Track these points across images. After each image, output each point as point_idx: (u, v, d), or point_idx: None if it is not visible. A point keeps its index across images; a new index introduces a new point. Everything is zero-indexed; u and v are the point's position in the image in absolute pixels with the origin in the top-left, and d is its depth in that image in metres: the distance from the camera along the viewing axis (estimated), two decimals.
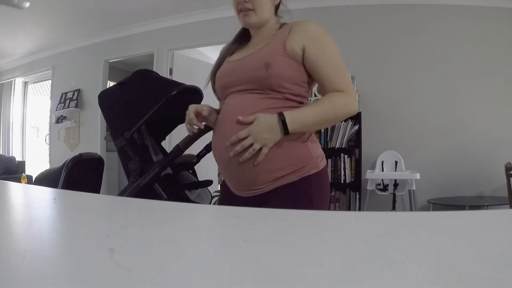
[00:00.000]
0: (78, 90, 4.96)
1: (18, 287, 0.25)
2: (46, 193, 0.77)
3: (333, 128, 3.42)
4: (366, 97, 3.51)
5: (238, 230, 0.42)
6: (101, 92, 1.86)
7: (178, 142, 1.58)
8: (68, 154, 3.63)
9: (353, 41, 3.59)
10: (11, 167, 5.29)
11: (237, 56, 1.07)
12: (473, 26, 3.42)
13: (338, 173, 3.45)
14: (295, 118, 0.93)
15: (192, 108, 1.03)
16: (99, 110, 1.86)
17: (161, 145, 1.87)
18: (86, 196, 0.68)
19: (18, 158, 5.67)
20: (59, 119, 5.08)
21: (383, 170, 3.36)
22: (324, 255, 0.31)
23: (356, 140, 3.43)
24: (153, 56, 4.50)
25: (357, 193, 3.45)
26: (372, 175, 3.21)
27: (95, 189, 2.40)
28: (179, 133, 1.20)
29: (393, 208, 3.24)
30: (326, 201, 1.05)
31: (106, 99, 1.81)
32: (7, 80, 5.98)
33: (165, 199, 1.59)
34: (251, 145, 0.93)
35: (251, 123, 0.94)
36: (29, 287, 0.25)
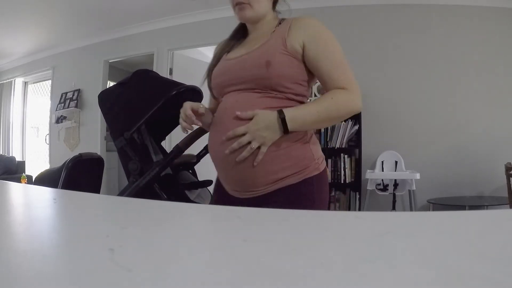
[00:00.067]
0: (78, 90, 4.96)
1: (18, 287, 0.25)
2: (46, 193, 0.77)
3: (333, 128, 3.42)
4: (366, 97, 3.50)
5: (238, 230, 0.42)
6: (101, 92, 1.86)
7: (178, 142, 1.58)
8: (68, 154, 3.63)
9: (353, 41, 3.59)
10: (11, 167, 5.29)
11: (235, 53, 1.03)
12: (473, 26, 3.42)
13: (338, 173, 3.45)
14: (295, 116, 0.90)
15: (187, 105, 0.98)
16: (99, 110, 1.86)
17: (161, 145, 1.88)
18: (86, 196, 0.68)
19: (18, 158, 5.67)
20: (59, 119, 5.08)
21: (383, 170, 3.36)
22: (324, 255, 0.31)
23: (356, 140, 3.43)
24: (153, 56, 4.50)
25: (357, 193, 3.45)
26: (372, 175, 3.21)
27: (95, 189, 2.40)
28: (179, 133, 1.18)
29: (393, 208, 3.24)
30: (326, 203, 1.02)
31: (106, 99, 1.81)
32: (7, 80, 5.98)
33: (165, 199, 1.59)
34: (249, 143, 0.90)
35: (250, 119, 0.90)
36: (29, 287, 0.25)
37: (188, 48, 4.44)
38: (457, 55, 3.45)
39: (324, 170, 1.02)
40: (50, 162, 5.20)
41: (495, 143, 3.33)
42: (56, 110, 5.08)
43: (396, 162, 3.36)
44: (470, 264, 0.28)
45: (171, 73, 4.36)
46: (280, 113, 0.89)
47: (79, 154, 2.20)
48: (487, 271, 0.26)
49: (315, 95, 3.33)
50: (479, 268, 0.27)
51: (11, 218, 0.49)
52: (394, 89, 3.57)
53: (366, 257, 0.30)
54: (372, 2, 3.62)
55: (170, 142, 3.33)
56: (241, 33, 1.09)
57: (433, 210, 3.16)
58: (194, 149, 1.63)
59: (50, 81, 5.38)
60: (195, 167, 1.96)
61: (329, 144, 3.42)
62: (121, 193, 1.63)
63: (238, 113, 0.91)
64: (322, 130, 3.43)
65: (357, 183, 3.42)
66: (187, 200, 1.68)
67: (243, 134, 0.90)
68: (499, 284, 0.24)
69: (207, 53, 4.88)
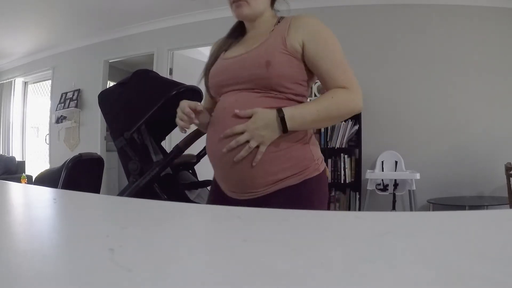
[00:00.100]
0: (78, 90, 4.96)
1: (18, 287, 0.25)
2: (46, 193, 0.77)
3: (333, 128, 3.42)
4: (366, 97, 3.48)
5: (238, 230, 0.42)
6: (101, 92, 1.86)
7: (178, 142, 1.58)
8: (68, 154, 3.63)
9: (353, 41, 3.59)
10: (11, 167, 5.29)
11: (233, 52, 1.00)
12: (473, 26, 3.42)
13: (338, 173, 3.45)
14: (294, 115, 0.88)
15: (185, 103, 0.95)
16: (99, 110, 1.86)
17: (161, 145, 1.88)
18: (86, 196, 0.68)
19: (18, 158, 5.67)
20: (59, 119, 5.08)
21: (383, 170, 3.36)
22: (324, 255, 0.31)
23: (356, 140, 3.43)
24: (153, 56, 4.50)
25: (357, 193, 3.45)
26: (372, 175, 3.21)
27: (95, 189, 2.40)
28: (179, 133, 1.17)
29: (393, 208, 3.24)
30: (325, 204, 1.01)
31: (106, 99, 1.81)
32: (7, 80, 5.98)
33: (165, 199, 1.59)
34: (247, 142, 0.88)
35: (248, 118, 0.88)
36: (29, 287, 0.25)
37: (188, 48, 4.44)
38: (457, 55, 3.45)
39: (324, 171, 1.01)
40: (50, 162, 5.20)
41: (495, 143, 3.33)
42: (56, 110, 5.08)
43: (396, 162, 3.36)
44: (470, 264, 0.28)
45: (171, 73, 4.36)
46: (279, 112, 0.87)
47: (79, 154, 2.20)
48: (487, 271, 0.26)
49: (315, 95, 3.33)
50: (479, 268, 0.27)
51: (11, 218, 0.49)
52: (394, 89, 3.57)
53: (366, 257, 0.30)
54: (372, 2, 3.62)
55: (170, 142, 3.33)
56: (238, 31, 1.07)
57: (433, 210, 3.16)
58: (194, 149, 1.63)
59: (50, 81, 5.39)
60: (195, 167, 1.96)
61: (329, 144, 3.42)
62: (121, 193, 1.63)
63: (237, 111, 0.89)
64: (322, 130, 3.43)
65: (357, 183, 3.42)
66: (187, 200, 1.68)
67: (242, 133, 0.88)
68: (499, 284, 0.24)
69: (207, 53, 4.86)
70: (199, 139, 1.37)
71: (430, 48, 3.50)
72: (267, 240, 0.37)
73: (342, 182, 3.44)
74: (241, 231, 0.41)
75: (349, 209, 3.43)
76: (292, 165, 0.92)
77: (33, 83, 6.08)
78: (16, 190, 0.82)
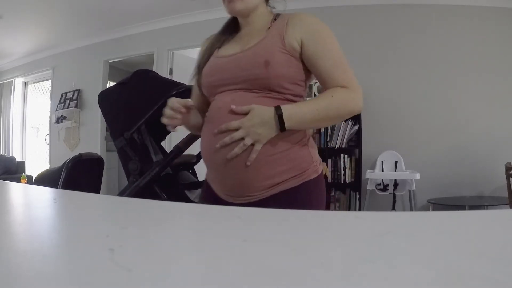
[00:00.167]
0: (78, 90, 4.96)
1: (18, 287, 0.25)
2: (46, 193, 0.77)
3: (333, 128, 3.42)
4: (366, 97, 3.48)
5: (238, 230, 0.42)
6: (101, 92, 1.86)
7: (178, 142, 1.58)
8: (68, 154, 3.64)
9: (353, 41, 3.59)
10: (11, 167, 5.29)
11: (228, 50, 0.96)
12: (473, 26, 3.42)
13: (338, 173, 3.45)
14: (293, 113, 0.85)
15: (174, 99, 0.90)
16: (99, 110, 1.86)
17: (161, 145, 1.88)
18: (86, 196, 0.68)
19: (18, 158, 5.67)
20: (59, 119, 5.08)
21: (383, 170, 3.36)
22: (324, 255, 0.31)
23: (356, 140, 3.43)
24: (153, 56, 4.50)
25: (357, 193, 3.45)
26: (372, 175, 3.21)
27: (95, 189, 2.41)
28: (179, 133, 1.16)
29: (393, 208, 3.24)
30: (323, 205, 0.98)
31: (106, 99, 1.81)
32: (7, 80, 5.98)
33: (165, 199, 1.59)
34: (242, 139, 0.84)
35: (245, 114, 0.85)
36: (29, 287, 0.25)
37: (188, 48, 4.44)
38: (457, 55, 3.45)
39: (322, 173, 0.98)
40: (50, 162, 5.20)
41: (495, 143, 3.33)
42: (56, 110, 5.08)
43: (396, 162, 3.36)
44: (470, 264, 0.28)
45: (171, 73, 4.36)
46: (277, 110, 0.84)
47: (79, 154, 2.20)
48: (487, 271, 0.26)
49: (315, 95, 3.33)
50: (479, 268, 0.27)
51: (11, 218, 0.49)
52: (394, 89, 3.57)
53: (366, 257, 0.30)
54: (372, 2, 3.62)
55: (170, 142, 3.33)
56: (232, 27, 1.02)
57: (433, 210, 3.16)
58: (194, 149, 1.63)
59: (50, 81, 5.39)
60: (195, 167, 1.96)
61: (329, 144, 3.42)
62: (121, 193, 1.63)
63: (233, 106, 0.86)
64: (322, 130, 3.43)
65: (357, 183, 3.42)
66: (187, 200, 1.68)
67: (237, 129, 0.85)
68: (499, 284, 0.24)
69: None
70: (199, 139, 1.37)
71: (430, 48, 3.50)
72: (267, 240, 0.37)
73: (342, 182, 3.44)
74: (241, 231, 0.41)
75: (349, 209, 3.43)
76: (290, 167, 0.90)
77: (33, 83, 6.09)
78: (16, 190, 0.82)
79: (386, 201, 3.30)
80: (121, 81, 1.81)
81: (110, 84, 4.89)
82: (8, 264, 0.29)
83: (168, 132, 2.02)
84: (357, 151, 3.44)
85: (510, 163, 2.83)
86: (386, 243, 0.35)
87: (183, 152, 1.57)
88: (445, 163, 3.40)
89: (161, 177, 1.64)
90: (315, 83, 3.39)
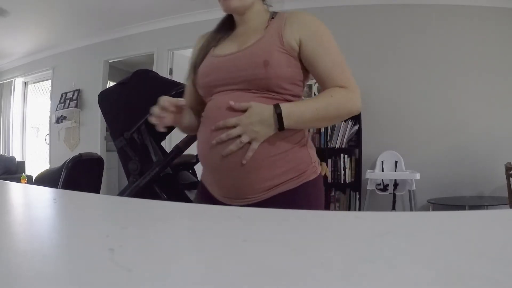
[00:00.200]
0: (78, 90, 4.96)
1: (18, 287, 0.25)
2: (46, 193, 0.77)
3: (333, 128, 3.42)
4: (366, 97, 3.51)
5: (238, 230, 0.42)
6: (101, 92, 1.86)
7: (178, 142, 1.58)
8: (68, 154, 3.64)
9: (353, 41, 3.59)
10: (11, 167, 5.29)
11: (224, 49, 0.94)
12: (473, 26, 3.43)
13: (338, 173, 3.45)
14: (292, 112, 0.83)
15: (165, 97, 0.88)
16: (99, 110, 1.86)
17: (161, 145, 1.88)
18: (86, 196, 0.68)
19: (18, 158, 5.67)
20: (59, 119, 5.08)
21: (383, 170, 3.36)
22: (324, 255, 0.31)
23: (356, 140, 3.43)
24: (153, 56, 4.50)
25: (357, 193, 3.45)
26: (372, 175, 3.21)
27: (95, 189, 2.41)
28: (179, 133, 1.16)
29: (393, 208, 3.24)
30: (323, 206, 0.98)
31: (106, 99, 1.81)
32: (7, 80, 5.98)
33: (165, 199, 1.59)
34: (239, 137, 0.83)
35: (244, 111, 0.83)
36: (29, 287, 0.25)
37: (188, 48, 4.43)
38: (457, 55, 3.45)
39: (321, 174, 0.97)
40: (50, 162, 5.20)
41: (495, 143, 3.33)
42: (56, 110, 5.08)
43: (396, 162, 3.36)
44: (470, 264, 0.28)
45: (171, 73, 4.36)
46: (277, 108, 0.83)
47: (79, 154, 2.20)
48: (487, 271, 0.26)
49: (315, 95, 3.33)
50: (479, 268, 0.27)
51: (11, 218, 0.49)
52: (394, 89, 3.57)
53: (366, 257, 0.30)
54: (372, 2, 3.62)
55: (170, 142, 3.33)
56: (227, 25, 1.01)
57: (433, 210, 3.16)
58: (194, 149, 1.62)
59: (50, 81, 5.39)
60: (195, 167, 1.96)
61: (329, 144, 3.42)
62: (121, 193, 1.63)
63: (232, 102, 0.84)
64: (322, 130, 3.43)
65: (357, 183, 3.42)
66: (187, 200, 1.68)
67: (235, 127, 0.83)
68: (499, 284, 0.24)
69: None
70: None
71: (430, 48, 3.50)
72: (267, 240, 0.37)
73: (342, 182, 3.44)
74: (241, 231, 0.41)
75: (349, 209, 3.43)
76: (290, 169, 0.88)
77: (33, 83, 6.09)
78: (16, 190, 0.82)
79: (386, 201, 3.30)
80: (121, 81, 1.81)
81: (110, 84, 4.89)
82: (8, 264, 0.29)
83: (168, 132, 2.02)
84: (357, 151, 3.44)
85: (510, 163, 2.83)
86: (386, 243, 0.35)
87: (183, 152, 1.58)
88: (445, 163, 3.40)
89: (161, 177, 1.64)
90: (315, 83, 3.39)
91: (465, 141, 3.39)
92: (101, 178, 2.52)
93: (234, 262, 0.30)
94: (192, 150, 1.64)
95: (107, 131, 4.58)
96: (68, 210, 0.58)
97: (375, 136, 3.52)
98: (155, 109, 0.89)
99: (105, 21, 4.43)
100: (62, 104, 5.01)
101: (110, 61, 4.92)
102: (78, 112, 4.96)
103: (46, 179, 2.17)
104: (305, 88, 0.98)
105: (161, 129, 0.92)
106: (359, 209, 3.38)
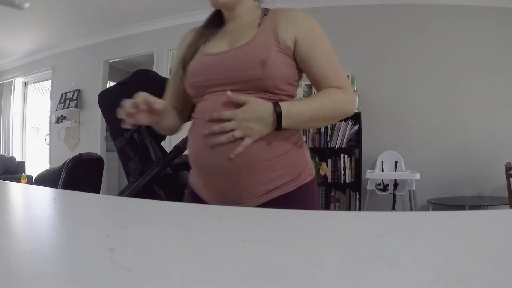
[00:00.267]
0: (78, 90, 4.96)
1: (18, 287, 0.25)
2: (46, 193, 0.77)
3: (333, 128, 3.42)
4: (366, 97, 3.51)
5: (238, 230, 0.42)
6: (101, 92, 1.86)
7: (178, 142, 1.58)
8: (68, 154, 3.64)
9: (353, 41, 3.59)
10: (11, 167, 5.29)
11: (216, 47, 0.89)
12: (473, 26, 3.43)
13: (338, 173, 3.45)
14: (291, 112, 0.80)
15: (143, 94, 0.82)
16: (99, 110, 1.86)
17: (161, 145, 1.88)
18: (86, 196, 0.68)
19: (18, 158, 5.67)
20: (59, 119, 5.08)
21: (383, 170, 3.36)
22: (324, 255, 0.31)
23: (356, 140, 3.43)
24: (153, 56, 4.50)
25: (357, 193, 3.45)
26: (372, 175, 3.21)
27: (95, 189, 2.41)
28: (179, 133, 1.15)
29: (393, 208, 3.24)
30: (317, 207, 0.97)
31: (106, 99, 1.81)
32: (7, 80, 5.98)
33: (165, 199, 1.59)
34: (233, 131, 0.79)
35: (241, 105, 0.79)
36: (29, 287, 0.25)
37: None
38: (457, 55, 3.45)
39: (315, 176, 0.96)
40: (50, 162, 5.20)
41: (495, 143, 3.33)
42: (56, 110, 5.08)
43: (396, 162, 3.36)
44: (470, 264, 0.28)
45: (171, 73, 4.35)
46: (276, 107, 0.79)
47: (79, 154, 2.20)
48: (487, 271, 0.26)
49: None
50: (479, 268, 0.27)
51: (11, 218, 0.49)
52: (394, 89, 3.57)
53: (366, 257, 0.30)
54: (372, 2, 3.62)
55: (170, 142, 3.33)
56: (216, 21, 0.97)
57: (433, 210, 3.16)
58: None
59: (50, 81, 5.39)
60: None
61: (329, 144, 3.42)
62: (121, 193, 1.63)
63: (229, 93, 0.79)
64: (322, 130, 3.43)
65: (357, 183, 3.42)
66: None
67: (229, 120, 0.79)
68: (499, 284, 0.24)
69: None
70: None
71: (430, 48, 3.50)
72: (267, 240, 0.37)
73: (342, 182, 3.44)
74: (241, 231, 0.41)
75: (349, 209, 3.43)
76: (287, 172, 0.86)
77: (33, 83, 6.09)
78: (16, 190, 0.82)
79: (386, 201, 3.30)
80: (121, 81, 1.81)
81: (110, 84, 4.89)
82: (8, 264, 0.29)
83: None
84: (357, 151, 3.44)
85: (510, 163, 2.83)
86: (386, 243, 0.35)
87: (183, 152, 1.57)
88: (445, 163, 3.40)
89: (161, 177, 1.64)
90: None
91: (465, 141, 3.39)
92: (101, 178, 2.52)
93: (234, 262, 0.30)
94: None
95: (107, 131, 4.58)
96: (68, 210, 0.58)
97: (375, 136, 3.52)
98: (126, 103, 0.83)
99: (105, 21, 4.43)
100: (62, 104, 5.01)
101: (110, 61, 4.92)
102: (78, 112, 4.96)
103: (46, 179, 2.17)
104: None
105: (128, 125, 0.87)
106: (359, 209, 3.38)
